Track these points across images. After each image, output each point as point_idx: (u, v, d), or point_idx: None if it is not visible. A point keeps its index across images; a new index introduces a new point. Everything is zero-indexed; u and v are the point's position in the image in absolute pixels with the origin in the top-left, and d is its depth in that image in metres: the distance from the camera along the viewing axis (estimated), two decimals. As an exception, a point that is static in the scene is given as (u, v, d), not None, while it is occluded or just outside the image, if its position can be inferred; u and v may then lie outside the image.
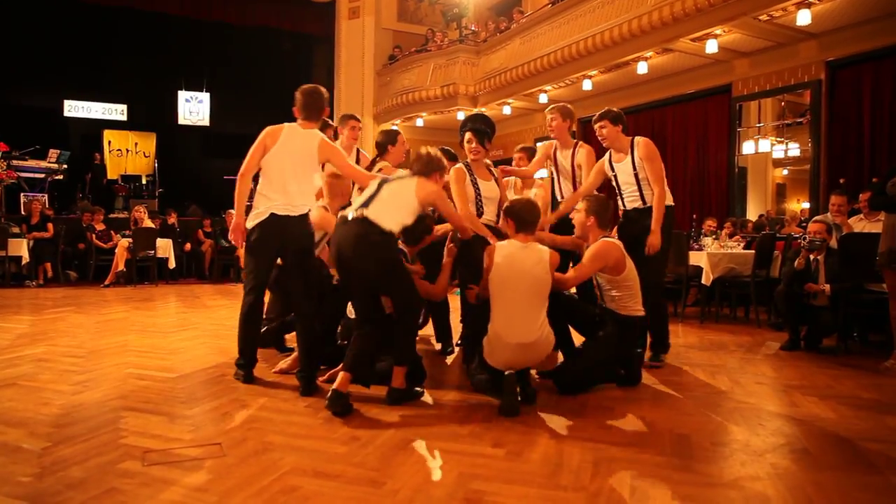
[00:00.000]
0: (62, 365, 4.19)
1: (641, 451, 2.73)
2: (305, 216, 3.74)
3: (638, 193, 4.36)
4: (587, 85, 9.91)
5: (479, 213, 4.05)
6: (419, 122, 12.94)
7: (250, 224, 3.68)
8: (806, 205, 9.66)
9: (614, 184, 4.51)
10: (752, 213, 11.36)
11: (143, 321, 6.15)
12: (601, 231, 3.84)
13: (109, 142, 16.00)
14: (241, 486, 2.30)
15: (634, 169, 4.32)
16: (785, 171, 12.91)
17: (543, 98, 10.79)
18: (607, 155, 4.50)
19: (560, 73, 9.86)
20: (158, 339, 5.21)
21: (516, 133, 12.86)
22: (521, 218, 3.47)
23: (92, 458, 2.53)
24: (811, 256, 5.09)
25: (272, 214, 3.61)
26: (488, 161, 4.27)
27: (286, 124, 3.76)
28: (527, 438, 2.87)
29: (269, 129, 3.72)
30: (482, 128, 4.05)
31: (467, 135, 4.07)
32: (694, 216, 8.49)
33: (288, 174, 3.66)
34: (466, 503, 2.20)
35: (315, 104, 3.78)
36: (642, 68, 8.82)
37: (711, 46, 7.99)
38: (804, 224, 8.99)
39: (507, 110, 11.87)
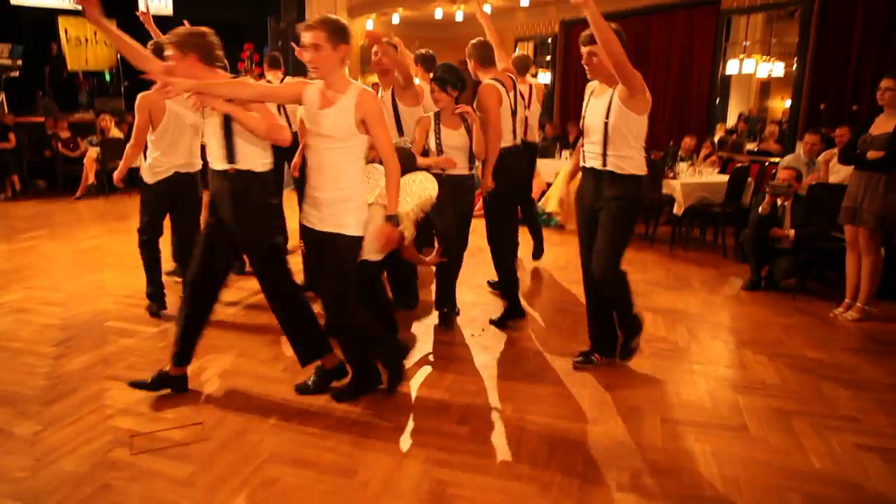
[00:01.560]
0: (41, 317, 4.27)
1: (595, 426, 2.96)
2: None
3: (601, 149, 3.28)
4: (571, -12, 9.42)
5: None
6: (395, 19, 12.29)
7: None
8: (788, 103, 9.48)
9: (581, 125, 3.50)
10: (733, 116, 11.27)
11: (119, 250, 6.14)
12: (487, 70, 4.09)
13: (66, 30, 15.03)
14: (224, 479, 2.50)
15: (607, 116, 3.20)
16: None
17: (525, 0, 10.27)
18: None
19: (543, -25, 9.34)
20: (135, 277, 5.21)
21: (497, 31, 12.33)
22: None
23: (82, 446, 2.70)
24: (778, 201, 5.20)
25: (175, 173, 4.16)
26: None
27: None
28: (490, 414, 3.08)
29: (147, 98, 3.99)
30: (445, 77, 3.89)
31: (431, 85, 3.99)
32: (671, 143, 8.46)
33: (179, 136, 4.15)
34: (431, 496, 2.43)
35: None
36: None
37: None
38: (781, 140, 9.02)
39: (487, 8, 11.29)
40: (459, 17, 11.81)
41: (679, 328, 4.33)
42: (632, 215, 3.35)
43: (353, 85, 2.80)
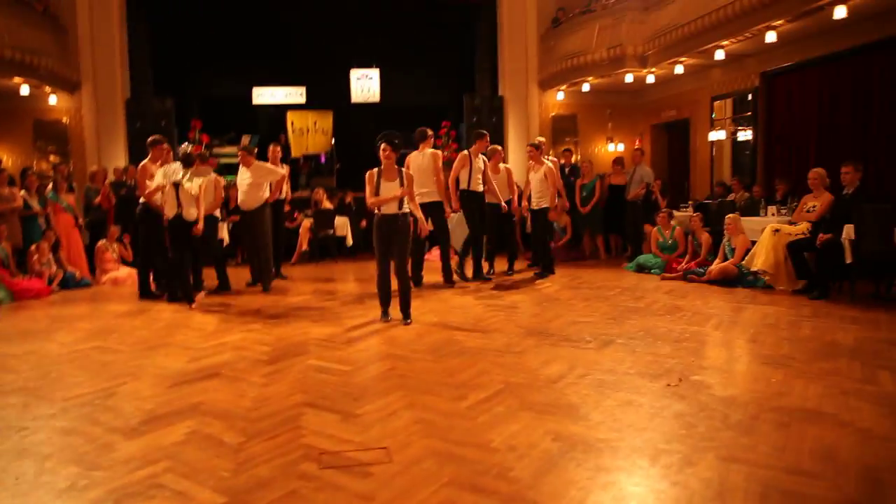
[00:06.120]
0: (255, 353, 4.71)
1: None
2: None
3: None
4: (771, 37, 8.82)
5: None
6: (585, 87, 12.42)
7: None
8: None
9: None
10: None
11: (323, 306, 6.65)
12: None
13: (292, 122, 17.42)
14: (402, 498, 2.46)
15: None
16: None
17: (720, 54, 9.81)
18: None
19: (739, 27, 8.88)
20: (337, 326, 5.61)
21: (690, 91, 11.91)
22: None
23: (277, 458, 2.85)
24: None
25: None
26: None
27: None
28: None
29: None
30: (394, 140, 5.61)
31: (382, 144, 5.58)
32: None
33: None
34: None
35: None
36: (840, 13, 7.59)
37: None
38: None
39: (679, 69, 10.99)
40: (651, 79, 11.63)
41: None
42: None
43: None
